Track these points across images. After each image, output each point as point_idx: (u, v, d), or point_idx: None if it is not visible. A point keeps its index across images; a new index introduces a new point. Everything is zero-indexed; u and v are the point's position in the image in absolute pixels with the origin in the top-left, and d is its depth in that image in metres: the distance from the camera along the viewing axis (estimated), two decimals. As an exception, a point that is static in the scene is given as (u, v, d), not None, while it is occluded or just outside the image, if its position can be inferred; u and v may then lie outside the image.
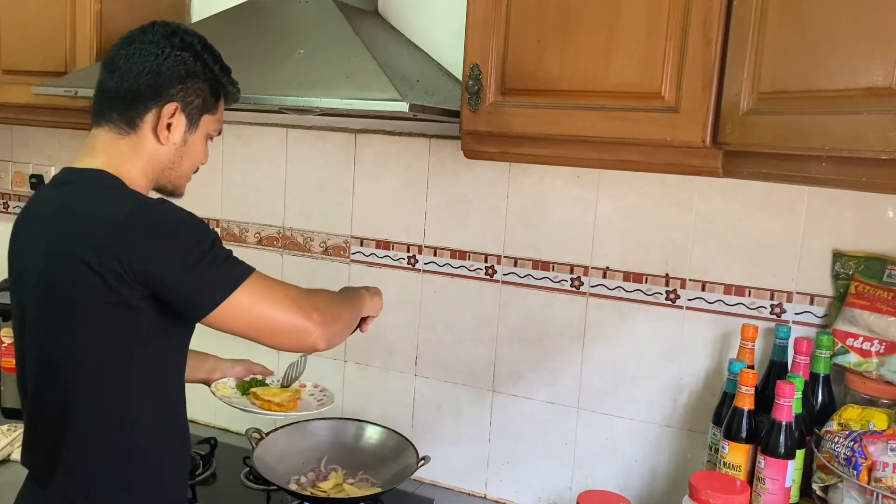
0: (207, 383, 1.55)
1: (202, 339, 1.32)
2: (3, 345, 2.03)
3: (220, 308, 1.14)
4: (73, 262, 1.12)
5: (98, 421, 1.19)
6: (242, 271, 1.17)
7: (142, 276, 1.11)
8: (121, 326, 1.16)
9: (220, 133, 1.35)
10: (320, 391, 1.60)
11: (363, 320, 1.45)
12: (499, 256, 1.76)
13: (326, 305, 1.26)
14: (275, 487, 1.68)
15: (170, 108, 1.23)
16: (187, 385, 1.33)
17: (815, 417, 1.38)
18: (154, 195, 1.24)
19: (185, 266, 1.12)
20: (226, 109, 1.34)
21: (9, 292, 1.30)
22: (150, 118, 1.23)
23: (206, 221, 1.18)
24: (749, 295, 1.54)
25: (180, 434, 1.31)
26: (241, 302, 1.15)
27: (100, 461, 1.20)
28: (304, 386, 1.60)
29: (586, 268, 1.67)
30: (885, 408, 1.32)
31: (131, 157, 1.24)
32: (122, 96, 1.23)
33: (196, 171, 1.34)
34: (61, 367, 1.19)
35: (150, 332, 1.18)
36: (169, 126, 1.24)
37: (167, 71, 1.22)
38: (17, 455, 1.77)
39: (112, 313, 1.14)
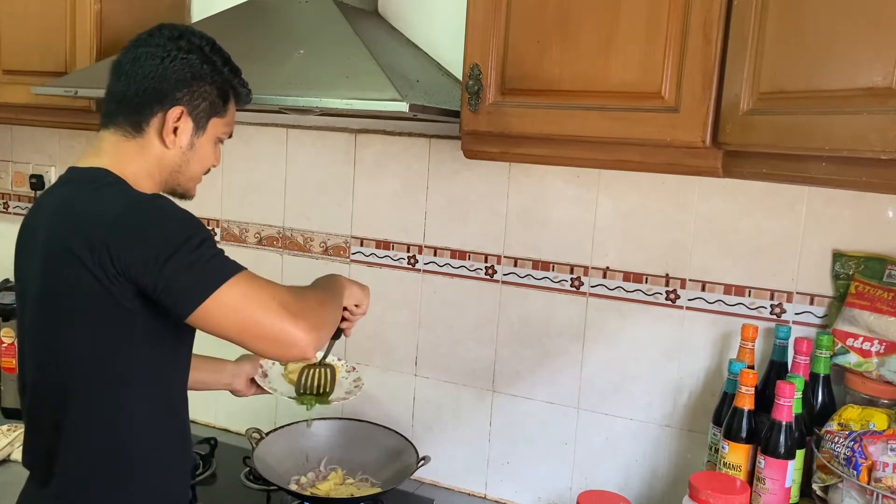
0: (230, 388, 1.55)
1: (212, 339, 1.29)
2: (3, 345, 2.03)
3: (205, 305, 1.09)
4: (70, 260, 1.11)
5: (95, 421, 1.19)
6: (230, 269, 1.12)
7: (129, 271, 1.09)
8: (116, 327, 1.15)
9: (230, 136, 1.34)
10: (353, 375, 1.60)
11: (343, 320, 1.39)
12: (499, 256, 1.76)
13: (314, 310, 1.19)
14: (275, 487, 1.68)
15: (175, 112, 1.22)
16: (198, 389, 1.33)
17: (815, 417, 1.38)
18: None
19: (172, 261, 1.09)
20: (228, 110, 1.33)
21: (9, 292, 1.30)
22: (155, 122, 1.22)
23: (202, 221, 1.16)
24: (749, 295, 1.53)
25: (181, 434, 1.30)
26: (226, 300, 1.10)
27: (98, 461, 1.20)
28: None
29: (586, 268, 1.67)
30: (885, 408, 1.32)
31: (137, 159, 1.23)
32: (128, 100, 1.22)
33: (207, 172, 1.33)
34: (58, 367, 1.19)
35: (147, 332, 1.17)
36: (175, 130, 1.23)
37: (173, 74, 1.21)
38: (17, 455, 1.78)
39: (107, 313, 1.13)
